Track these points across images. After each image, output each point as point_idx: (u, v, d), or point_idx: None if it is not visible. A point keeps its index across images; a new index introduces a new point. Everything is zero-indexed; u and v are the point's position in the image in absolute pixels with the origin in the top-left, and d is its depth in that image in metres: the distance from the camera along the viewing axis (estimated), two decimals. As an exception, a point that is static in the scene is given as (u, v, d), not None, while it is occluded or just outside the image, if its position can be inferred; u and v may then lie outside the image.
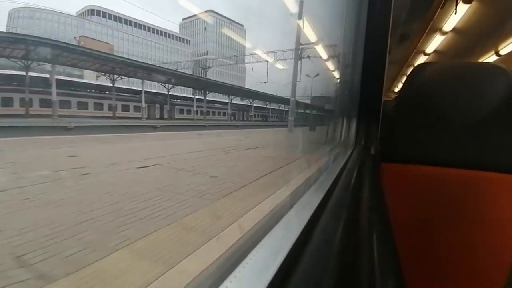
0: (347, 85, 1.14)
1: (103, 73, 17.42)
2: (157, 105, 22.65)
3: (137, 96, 20.60)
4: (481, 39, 4.06)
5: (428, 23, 3.61)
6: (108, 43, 37.01)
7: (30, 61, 12.12)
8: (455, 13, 3.20)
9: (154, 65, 21.05)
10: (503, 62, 4.35)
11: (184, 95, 27.31)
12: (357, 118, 1.01)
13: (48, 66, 12.87)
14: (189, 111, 25.34)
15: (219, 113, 29.57)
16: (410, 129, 0.74)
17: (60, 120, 11.49)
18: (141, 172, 3.32)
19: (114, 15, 42.56)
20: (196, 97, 26.06)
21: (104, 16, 41.37)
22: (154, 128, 13.80)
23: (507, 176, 0.65)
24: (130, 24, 44.77)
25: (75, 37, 33.09)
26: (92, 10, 40.64)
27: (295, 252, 0.22)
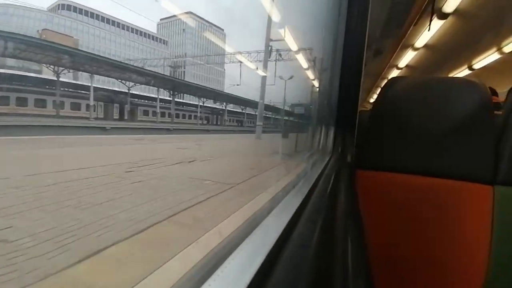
0: (325, 94, 1.20)
1: (47, 65, 15.46)
2: (116, 105, 20.79)
3: (96, 93, 18.65)
4: (454, 53, 4.27)
5: (401, 39, 3.90)
6: (72, 37, 35.24)
7: None
8: (429, 30, 3.45)
9: (109, 59, 18.95)
10: (476, 76, 4.71)
11: (152, 95, 25.40)
12: (334, 126, 1.06)
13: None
14: (155, 113, 23.43)
15: (190, 117, 28.13)
16: (383, 138, 0.79)
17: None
18: None
19: (86, 11, 40.88)
20: (166, 98, 24.48)
21: (75, 11, 39.65)
22: (103, 130, 12.55)
23: (474, 185, 0.70)
24: (103, 21, 43.10)
25: (37, 31, 31.14)
26: (63, 5, 38.92)
27: (273, 254, 0.23)
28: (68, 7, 39.40)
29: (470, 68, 4.67)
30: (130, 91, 20.81)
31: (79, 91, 18.25)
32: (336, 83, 1.04)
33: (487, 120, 0.70)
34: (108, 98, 20.08)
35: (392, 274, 0.71)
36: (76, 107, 17.86)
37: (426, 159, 0.73)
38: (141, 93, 24.64)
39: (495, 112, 0.71)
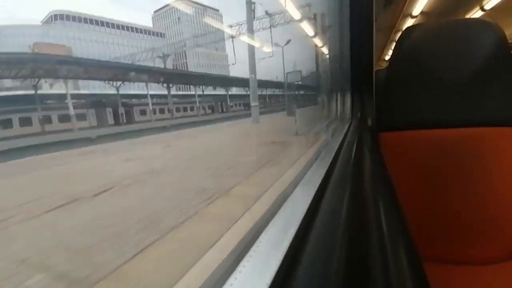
0: (336, 58, 1.15)
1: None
2: (109, 109, 18.82)
3: (82, 100, 17.56)
4: None
5: (412, -17, 3.58)
6: (64, 46, 36.11)
7: None
8: None
9: (86, 59, 17.80)
10: (488, 17, 4.40)
11: (143, 92, 23.67)
12: (350, 91, 1.02)
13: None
14: (154, 111, 21.62)
15: (191, 109, 25.59)
16: (404, 95, 0.75)
17: None
18: None
19: (80, 17, 41.42)
20: (159, 93, 23.06)
21: (68, 19, 40.30)
22: (89, 141, 10.41)
23: (503, 129, 0.67)
24: (98, 24, 43.42)
25: (29, 46, 32.29)
26: (56, 16, 39.75)
27: (306, 224, 0.24)
28: (61, 17, 40.11)
29: (482, 9, 4.54)
30: (119, 92, 18.80)
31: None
32: (347, 43, 0.99)
33: (506, 61, 0.67)
34: (97, 102, 18.52)
35: (429, 231, 0.71)
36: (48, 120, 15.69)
37: (453, 109, 0.70)
38: (129, 92, 22.62)
39: None
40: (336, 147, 0.52)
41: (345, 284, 0.19)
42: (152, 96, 23.96)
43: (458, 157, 0.70)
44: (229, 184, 2.36)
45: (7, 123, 14.02)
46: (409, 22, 5.14)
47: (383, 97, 0.81)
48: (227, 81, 25.94)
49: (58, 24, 39.58)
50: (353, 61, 0.99)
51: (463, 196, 0.70)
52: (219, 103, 29.13)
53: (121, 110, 19.30)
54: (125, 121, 19.21)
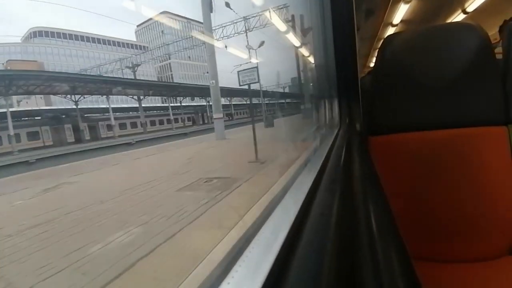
0: (322, 68, 1.19)
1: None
2: (68, 125, 17.34)
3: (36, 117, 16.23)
4: None
5: (390, -7, 3.78)
6: (36, 61, 36.32)
7: None
8: None
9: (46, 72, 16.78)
10: (471, 19, 4.52)
11: (124, 105, 22.68)
12: (338, 98, 1.05)
13: None
14: (122, 125, 20.03)
15: (168, 121, 23.72)
16: (389, 100, 0.79)
17: None
18: None
19: (60, 33, 41.50)
20: (130, 105, 21.43)
21: (47, 36, 40.31)
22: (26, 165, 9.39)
23: (488, 128, 0.70)
24: (77, 39, 43.40)
25: (2, 63, 32.01)
26: (35, 32, 39.93)
27: (297, 227, 0.24)
28: (40, 33, 40.26)
29: (464, 11, 4.57)
30: (80, 106, 17.26)
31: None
32: (331, 53, 1.03)
33: (490, 62, 0.70)
34: (54, 119, 16.93)
35: (418, 231, 0.72)
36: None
37: (436, 112, 0.73)
38: (93, 106, 21.44)
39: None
40: (326, 152, 0.53)
41: (336, 285, 0.19)
42: (123, 109, 22.75)
43: (443, 158, 0.72)
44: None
45: None
46: (390, 31, 5.38)
47: (369, 102, 0.84)
48: (206, 91, 25.15)
49: (36, 41, 39.43)
50: (338, 69, 1.03)
51: (450, 196, 0.72)
52: (199, 114, 27.76)
53: (82, 125, 17.72)
54: (88, 137, 17.69)
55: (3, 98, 13.97)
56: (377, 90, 0.81)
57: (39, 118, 17.16)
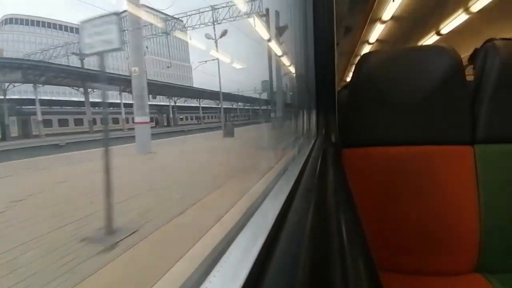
0: (302, 78, 1.23)
1: None
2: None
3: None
4: (421, 21, 4.36)
5: (368, 13, 4.02)
6: None
7: None
8: (393, 1, 3.59)
9: None
10: (445, 41, 4.79)
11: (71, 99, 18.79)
12: (316, 109, 1.10)
13: None
14: (64, 122, 16.79)
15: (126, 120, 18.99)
16: (363, 115, 0.83)
17: None
18: None
19: (36, 21, 39.37)
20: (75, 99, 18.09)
21: (22, 23, 38.24)
22: None
23: (454, 147, 0.75)
24: (50, 27, 40.97)
25: None
26: (7, 20, 37.86)
27: (273, 234, 0.25)
28: (16, 21, 38.74)
29: (438, 33, 4.82)
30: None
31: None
32: (312, 67, 1.07)
33: (460, 83, 0.75)
34: None
35: (386, 242, 0.77)
36: None
37: (407, 129, 0.79)
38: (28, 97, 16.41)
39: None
40: (303, 161, 0.55)
41: None
42: (70, 103, 19.43)
43: (412, 173, 0.77)
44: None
45: None
46: (367, 48, 5.72)
47: (345, 115, 0.88)
48: (173, 90, 21.74)
49: (7, 28, 37.23)
50: (317, 81, 1.07)
51: (418, 209, 0.76)
52: (164, 115, 25.04)
53: (7, 120, 13.90)
54: (16, 134, 14.05)
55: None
56: (353, 104, 0.85)
57: None
